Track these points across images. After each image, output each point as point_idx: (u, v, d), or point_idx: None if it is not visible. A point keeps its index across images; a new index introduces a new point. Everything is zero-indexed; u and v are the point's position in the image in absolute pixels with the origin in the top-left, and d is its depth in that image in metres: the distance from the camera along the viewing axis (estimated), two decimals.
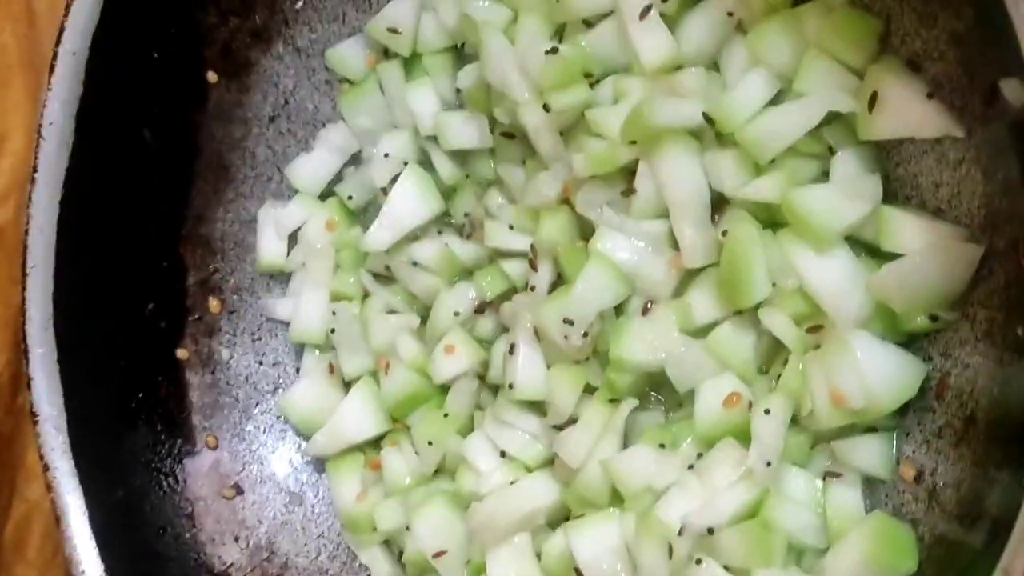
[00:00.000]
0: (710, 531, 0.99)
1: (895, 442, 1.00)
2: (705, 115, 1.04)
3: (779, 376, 1.03)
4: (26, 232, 1.24)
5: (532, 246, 1.17)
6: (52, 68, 1.22)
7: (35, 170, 1.23)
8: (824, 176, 1.03)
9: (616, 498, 1.09)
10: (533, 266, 1.16)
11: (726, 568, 0.98)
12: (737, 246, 1.01)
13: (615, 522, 1.07)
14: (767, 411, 1.00)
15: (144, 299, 1.34)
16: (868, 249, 1.01)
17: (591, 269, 1.10)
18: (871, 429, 1.00)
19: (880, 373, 0.94)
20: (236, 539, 1.33)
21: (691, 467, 1.04)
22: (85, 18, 1.22)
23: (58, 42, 1.22)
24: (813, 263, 0.98)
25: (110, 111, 1.27)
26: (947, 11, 0.88)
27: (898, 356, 0.96)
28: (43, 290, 1.23)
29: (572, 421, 1.13)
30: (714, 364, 1.06)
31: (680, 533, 1.00)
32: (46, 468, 1.22)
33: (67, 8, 1.21)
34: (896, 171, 1.00)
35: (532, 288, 1.16)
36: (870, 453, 0.99)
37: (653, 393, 1.14)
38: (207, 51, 1.34)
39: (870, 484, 1.00)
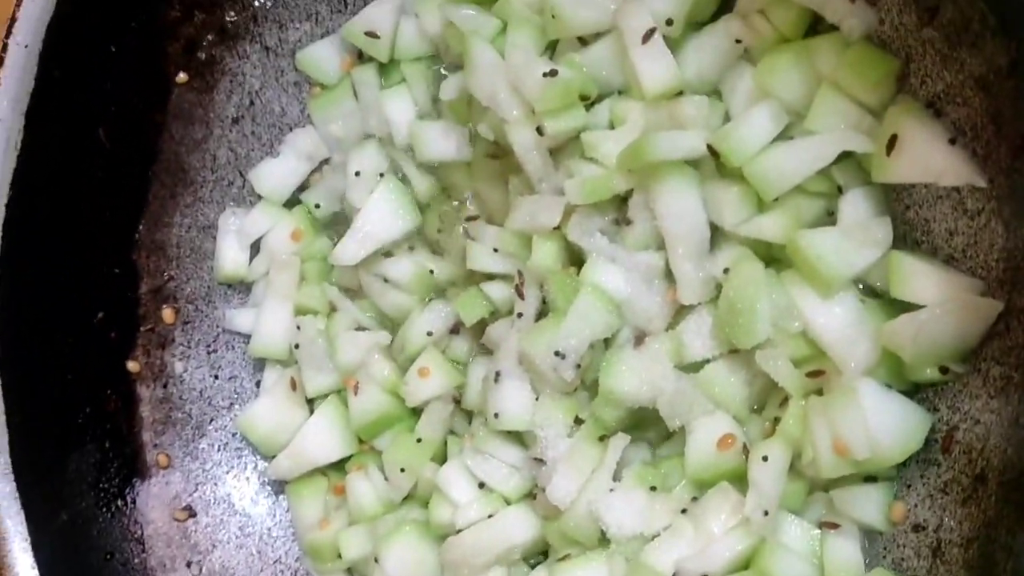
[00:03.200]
0: None
1: (895, 493, 0.97)
2: (709, 147, 1.00)
3: (775, 419, 1.00)
4: None
5: (519, 272, 1.12)
6: (1, 61, 1.13)
7: None
8: (829, 215, 1.00)
9: (604, 539, 1.05)
10: (520, 293, 1.11)
11: None
12: (740, 285, 0.98)
13: (603, 565, 1.03)
14: (765, 458, 0.97)
15: (94, 308, 1.26)
16: (872, 291, 0.98)
17: (583, 300, 1.06)
18: (870, 478, 0.98)
19: (885, 423, 0.92)
20: (188, 564, 1.27)
21: (684, 511, 1.01)
22: (39, 8, 1.13)
23: (8, 33, 1.13)
24: (819, 308, 0.96)
25: (63, 109, 1.19)
26: (975, 57, 0.85)
27: (904, 406, 0.94)
28: None
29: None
30: (706, 402, 1.03)
31: None
32: None
33: None
34: (906, 214, 0.97)
35: (519, 315, 1.11)
36: (869, 503, 0.97)
37: (638, 429, 1.10)
38: (170, 47, 1.26)
39: (868, 536, 0.98)
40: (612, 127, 1.09)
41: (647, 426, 1.09)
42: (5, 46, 1.13)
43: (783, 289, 0.97)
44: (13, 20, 1.12)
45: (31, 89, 1.14)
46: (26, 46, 1.13)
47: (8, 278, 1.15)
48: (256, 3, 1.27)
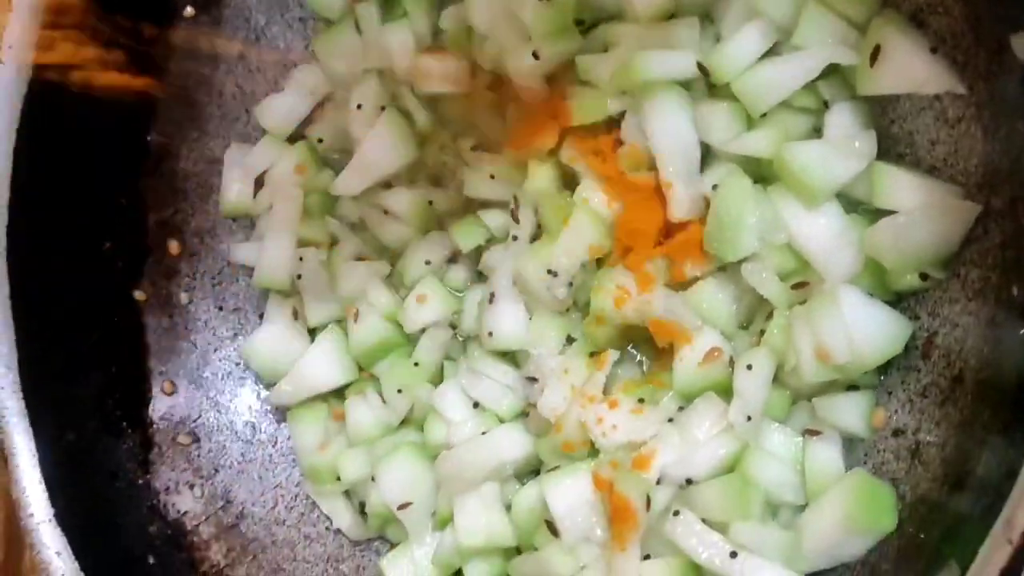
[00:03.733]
0: (688, 482, 0.99)
1: (877, 400, 0.99)
2: (699, 66, 1.02)
3: (761, 332, 1.02)
4: None
5: (515, 196, 1.14)
6: None
7: None
8: (816, 131, 1.02)
9: (593, 450, 1.07)
10: (515, 217, 1.14)
11: (703, 521, 0.97)
12: (728, 200, 1.00)
13: (591, 473, 1.05)
14: (749, 367, 0.99)
15: (101, 236, 1.29)
16: (857, 205, 1.00)
17: (576, 219, 1.08)
18: (852, 387, 1.00)
19: (866, 329, 0.94)
20: (191, 487, 1.29)
21: (671, 420, 1.03)
22: None
23: None
24: (804, 219, 0.98)
25: (74, 33, 1.20)
26: None
27: (884, 313, 0.95)
28: None
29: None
30: (695, 318, 1.05)
31: (658, 483, 0.99)
32: None
33: None
34: (891, 128, 0.99)
35: (514, 238, 1.13)
36: (850, 411, 0.99)
37: (628, 346, 1.12)
38: None
39: (849, 442, 1.00)
40: (606, 52, 1.11)
41: (637, 344, 1.11)
42: None
43: (769, 203, 0.99)
44: None
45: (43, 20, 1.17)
46: None
47: (18, 204, 1.17)
48: None
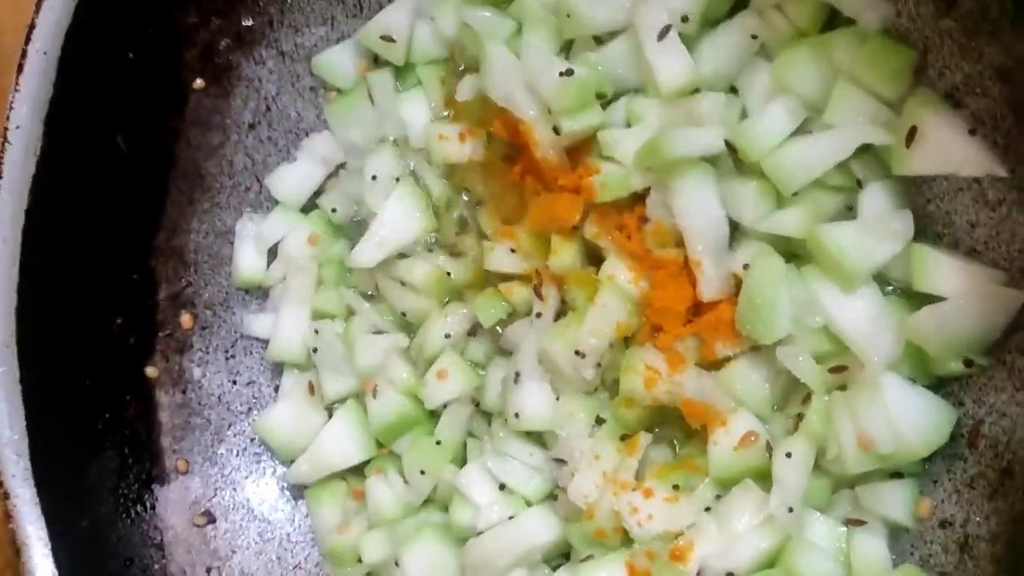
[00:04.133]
0: (730, 575, 0.96)
1: (921, 489, 0.96)
2: (727, 143, 1.00)
3: (798, 415, 1.00)
4: None
5: (537, 271, 1.12)
6: (20, 68, 1.14)
7: None
8: (848, 210, 1.00)
9: (626, 538, 1.04)
10: (538, 293, 1.11)
11: None
12: (760, 280, 0.97)
13: (626, 564, 1.02)
14: (789, 455, 0.96)
15: (112, 314, 1.26)
16: (893, 285, 0.97)
17: (603, 298, 1.05)
18: (896, 475, 0.97)
19: (910, 417, 0.92)
20: (208, 570, 1.26)
21: (707, 509, 1.00)
22: (58, 14, 1.14)
23: (28, 39, 1.13)
24: (841, 302, 0.95)
25: (82, 115, 1.19)
26: (994, 46, 0.85)
27: (929, 400, 0.93)
28: (5, 305, 1.15)
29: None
30: (728, 400, 1.02)
31: None
32: (6, 496, 1.14)
33: (38, 4, 1.13)
34: (927, 207, 0.97)
35: (538, 315, 1.11)
36: (895, 500, 0.96)
37: (659, 428, 1.09)
38: (186, 53, 1.26)
39: (895, 532, 0.97)
40: (628, 125, 1.09)
41: (668, 425, 1.08)
42: (25, 53, 1.13)
43: (803, 284, 0.97)
44: (32, 27, 1.13)
45: (50, 96, 1.15)
46: (45, 53, 1.14)
47: (28, 284, 1.15)
48: (272, 8, 1.27)
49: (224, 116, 1.30)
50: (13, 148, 1.14)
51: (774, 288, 0.96)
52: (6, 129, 1.14)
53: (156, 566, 1.24)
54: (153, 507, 1.26)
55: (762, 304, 0.97)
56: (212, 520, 1.28)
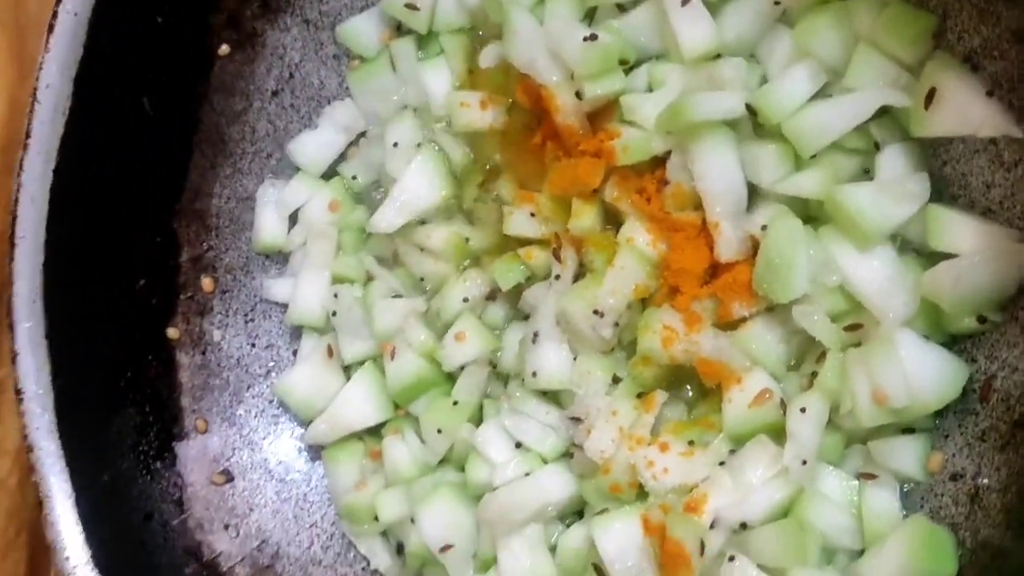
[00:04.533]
0: (743, 527, 0.98)
1: (933, 443, 0.98)
2: (748, 106, 1.02)
3: (812, 373, 1.02)
4: (15, 201, 1.17)
5: (556, 235, 1.14)
6: (51, 28, 1.15)
7: (27, 136, 1.16)
8: (866, 172, 1.02)
9: (641, 493, 1.06)
10: (557, 256, 1.13)
11: (759, 566, 0.96)
12: (778, 241, 0.99)
13: (640, 517, 1.04)
14: (803, 409, 0.99)
15: (135, 275, 1.28)
16: (908, 246, 0.99)
17: (622, 259, 1.07)
18: (908, 430, 0.99)
19: (924, 372, 0.94)
20: (226, 527, 1.28)
21: (722, 463, 1.02)
22: None
23: (58, 1, 1.15)
24: (857, 261, 0.97)
25: (110, 77, 1.21)
26: (1013, 9, 0.87)
27: (942, 356, 0.95)
28: (32, 261, 1.17)
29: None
30: (744, 359, 1.04)
31: (712, 527, 0.98)
32: (30, 449, 1.16)
33: None
34: (943, 169, 0.99)
35: (556, 277, 1.13)
36: (907, 454, 0.98)
37: (674, 387, 1.11)
38: (213, 18, 1.28)
39: (905, 486, 0.99)
40: (650, 91, 1.11)
41: (683, 384, 1.10)
42: (55, 13, 1.15)
43: (820, 244, 0.99)
44: None
45: (79, 57, 1.17)
46: (75, 14, 1.16)
47: (54, 241, 1.17)
48: None
49: (248, 82, 1.32)
50: (42, 107, 1.16)
51: (792, 248, 0.98)
52: (35, 89, 1.16)
53: (175, 521, 1.26)
54: (173, 464, 1.28)
55: (780, 264, 0.99)
56: (230, 479, 1.30)
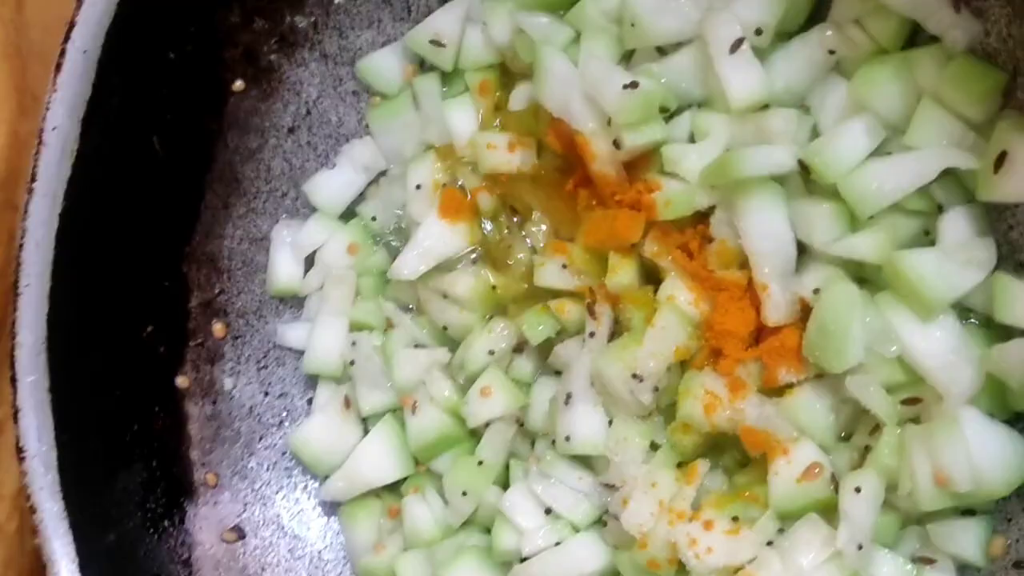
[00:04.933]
0: None
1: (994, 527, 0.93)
2: (800, 162, 0.96)
3: (865, 447, 0.96)
4: (20, 247, 1.11)
5: (591, 289, 1.08)
6: (59, 67, 1.09)
7: (33, 179, 1.10)
8: (926, 235, 0.96)
9: (682, 570, 1.00)
10: (591, 312, 1.07)
11: None
12: (833, 307, 0.93)
13: None
14: (858, 489, 0.93)
15: (143, 321, 1.22)
16: (971, 315, 0.94)
17: (662, 319, 1.02)
18: (968, 511, 0.93)
19: (990, 454, 0.88)
20: None
21: (770, 543, 0.96)
22: (99, 12, 1.09)
23: (67, 38, 1.09)
24: (918, 331, 0.92)
25: (119, 116, 1.15)
26: None
27: (1009, 437, 0.89)
28: (37, 311, 1.11)
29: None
30: (791, 429, 0.98)
31: None
32: (32, 510, 1.10)
33: (79, 0, 1.08)
34: (1009, 234, 0.93)
35: (591, 335, 1.07)
36: (967, 538, 0.93)
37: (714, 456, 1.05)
38: (227, 53, 1.22)
39: (965, 571, 0.93)
40: (691, 140, 1.05)
41: (724, 452, 1.05)
42: (64, 51, 1.09)
43: (878, 311, 0.93)
44: (72, 24, 1.09)
45: (88, 96, 1.11)
46: (85, 51, 1.10)
47: (59, 290, 1.11)
48: (317, 10, 1.23)
49: (263, 119, 1.27)
50: (49, 150, 1.10)
51: (847, 315, 0.93)
52: (41, 131, 1.10)
53: None
54: (181, 522, 1.22)
55: (834, 331, 0.93)
56: (242, 536, 1.24)
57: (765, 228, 0.98)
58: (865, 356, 0.94)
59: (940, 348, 0.91)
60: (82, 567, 1.08)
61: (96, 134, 1.12)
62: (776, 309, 0.98)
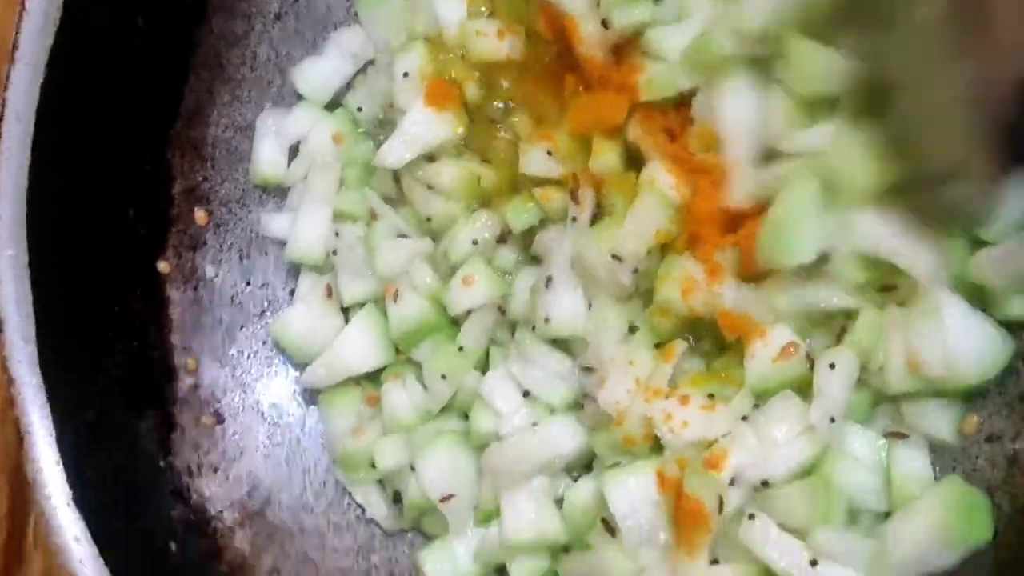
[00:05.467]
0: (764, 484, 0.93)
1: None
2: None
3: (842, 329, 0.97)
4: (0, 116, 1.10)
5: (574, 175, 1.08)
6: None
7: (15, 47, 1.09)
8: None
9: (655, 447, 1.01)
10: (574, 197, 1.07)
11: (780, 526, 0.92)
12: (789, 201, 0.94)
13: (655, 471, 0.99)
14: (832, 365, 0.94)
15: (125, 204, 1.22)
16: None
17: (643, 201, 1.02)
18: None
19: (967, 344, 0.89)
20: (215, 470, 1.23)
21: (744, 418, 0.97)
22: None
23: None
24: (872, 218, 0.92)
25: None
26: None
27: (987, 328, 0.90)
28: (16, 185, 1.10)
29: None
30: (767, 313, 0.99)
31: (732, 484, 0.93)
32: (11, 382, 1.10)
33: None
34: None
35: (573, 219, 1.07)
36: (939, 416, 0.94)
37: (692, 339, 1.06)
38: None
39: (937, 446, 0.94)
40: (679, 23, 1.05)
41: (701, 336, 1.05)
42: None
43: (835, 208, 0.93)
44: None
45: None
46: None
47: (40, 164, 1.10)
48: None
49: (249, 4, 1.26)
50: (31, 17, 1.09)
51: (802, 209, 0.93)
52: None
53: (162, 463, 1.20)
54: (161, 403, 1.22)
55: (787, 225, 0.93)
56: (220, 420, 1.25)
57: (737, 111, 0.98)
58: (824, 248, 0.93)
59: (896, 229, 0.91)
60: (59, 440, 1.08)
61: (80, 6, 1.11)
62: (739, 189, 0.98)
